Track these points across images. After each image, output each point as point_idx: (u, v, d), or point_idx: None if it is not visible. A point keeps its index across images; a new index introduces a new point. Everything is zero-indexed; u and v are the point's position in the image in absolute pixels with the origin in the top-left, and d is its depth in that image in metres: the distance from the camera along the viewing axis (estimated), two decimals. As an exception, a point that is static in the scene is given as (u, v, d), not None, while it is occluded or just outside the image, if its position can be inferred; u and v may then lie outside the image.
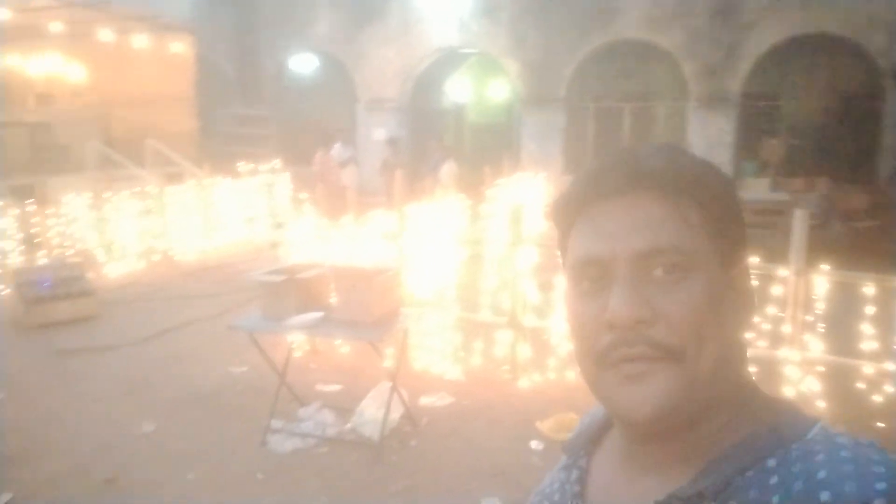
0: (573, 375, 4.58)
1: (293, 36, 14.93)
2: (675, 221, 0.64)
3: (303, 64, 15.74)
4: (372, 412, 4.06)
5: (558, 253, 0.75)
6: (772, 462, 0.60)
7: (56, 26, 11.10)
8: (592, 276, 0.66)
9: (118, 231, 8.48)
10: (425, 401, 4.52)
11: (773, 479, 0.59)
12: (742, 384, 0.68)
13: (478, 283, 5.19)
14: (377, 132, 13.45)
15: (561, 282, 4.14)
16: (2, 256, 7.21)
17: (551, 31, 13.03)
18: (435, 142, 11.20)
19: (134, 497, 3.49)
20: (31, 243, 7.49)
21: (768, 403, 0.67)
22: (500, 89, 16.97)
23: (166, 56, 12.87)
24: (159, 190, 9.16)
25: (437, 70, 15.08)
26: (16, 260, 7.29)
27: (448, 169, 10.26)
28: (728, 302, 0.66)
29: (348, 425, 4.13)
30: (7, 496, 3.40)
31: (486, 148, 15.67)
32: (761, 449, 0.62)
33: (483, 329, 5.18)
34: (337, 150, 10.27)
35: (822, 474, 0.56)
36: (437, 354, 5.07)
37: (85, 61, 12.75)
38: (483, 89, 17.46)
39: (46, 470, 3.70)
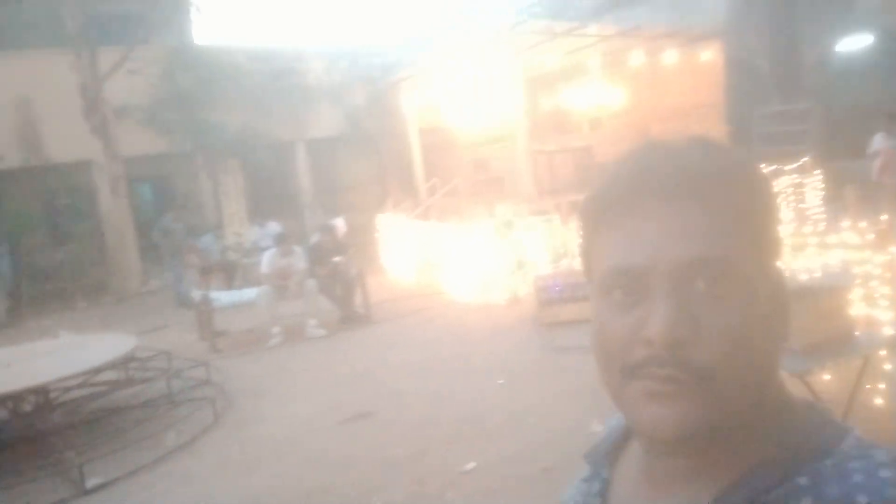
0: None
1: (839, 15, 13.21)
2: (718, 229, 0.60)
3: (850, 45, 13.77)
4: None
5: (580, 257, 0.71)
6: (803, 480, 0.57)
7: (594, 60, 12.60)
8: (626, 285, 0.61)
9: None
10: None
11: (806, 502, 0.56)
12: (771, 392, 0.63)
13: None
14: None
15: None
16: (534, 265, 8.66)
17: None
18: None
19: (560, 488, 3.86)
20: (556, 253, 8.77)
21: (797, 410, 0.63)
22: None
23: (695, 66, 13.10)
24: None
25: None
26: (545, 267, 8.65)
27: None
28: (767, 309, 0.61)
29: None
30: (472, 464, 4.22)
31: None
32: (791, 464, 0.58)
33: None
34: (878, 140, 8.69)
35: (861, 499, 0.53)
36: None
37: (622, 85, 14.05)
38: None
39: (498, 450, 4.42)
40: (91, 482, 4.46)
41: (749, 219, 0.61)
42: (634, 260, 0.60)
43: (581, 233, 0.68)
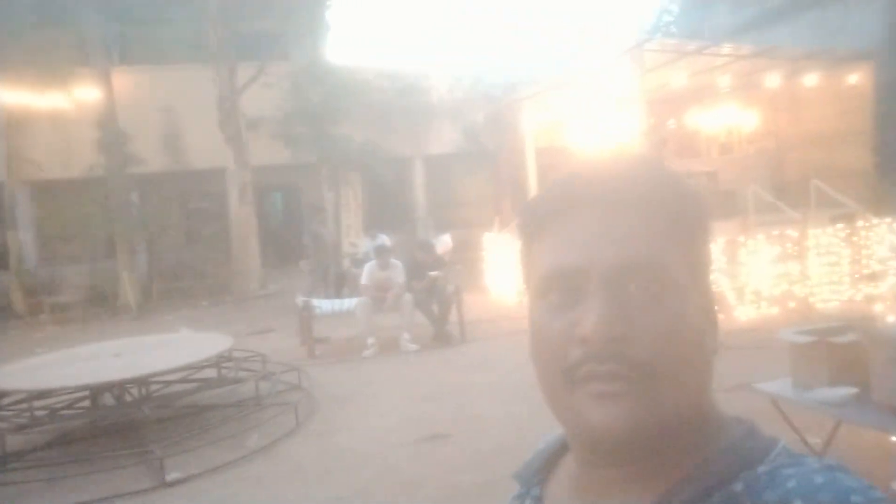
0: None
1: None
2: (651, 235, 0.63)
3: None
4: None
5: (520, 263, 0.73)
6: (738, 486, 0.58)
7: (724, 80, 11.90)
8: (563, 287, 0.63)
9: (752, 275, 8.45)
10: None
11: None
12: (704, 403, 0.65)
13: None
14: None
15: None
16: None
17: None
18: None
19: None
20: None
21: (727, 422, 0.65)
22: None
23: (840, 90, 12.06)
24: (799, 233, 8.68)
25: None
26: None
27: None
28: (698, 319, 0.63)
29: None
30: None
31: None
32: (725, 471, 0.60)
33: None
34: None
35: (797, 503, 0.55)
36: None
37: (756, 108, 13.20)
38: None
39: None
40: (171, 476, 4.64)
41: (681, 231, 0.64)
42: (570, 261, 0.62)
43: (521, 241, 0.70)
